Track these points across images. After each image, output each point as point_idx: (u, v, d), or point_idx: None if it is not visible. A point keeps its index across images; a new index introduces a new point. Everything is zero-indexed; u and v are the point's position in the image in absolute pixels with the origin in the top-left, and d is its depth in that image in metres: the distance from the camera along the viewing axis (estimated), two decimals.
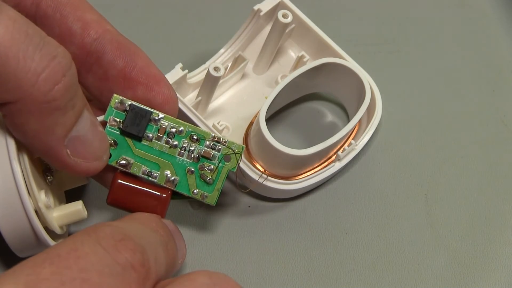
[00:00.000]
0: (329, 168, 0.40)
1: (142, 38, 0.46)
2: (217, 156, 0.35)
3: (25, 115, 0.30)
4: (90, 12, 0.34)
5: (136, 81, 0.35)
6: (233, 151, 0.35)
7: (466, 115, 0.45)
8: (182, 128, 0.35)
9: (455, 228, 0.41)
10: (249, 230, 0.41)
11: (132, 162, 0.35)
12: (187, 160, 0.35)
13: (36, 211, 0.33)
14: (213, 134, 0.35)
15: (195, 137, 0.35)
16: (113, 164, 0.34)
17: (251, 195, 0.41)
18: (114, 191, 0.34)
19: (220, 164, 0.35)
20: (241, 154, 0.35)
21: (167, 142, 0.35)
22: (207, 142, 0.35)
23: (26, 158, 0.33)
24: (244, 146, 0.35)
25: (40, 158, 0.35)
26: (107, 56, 0.34)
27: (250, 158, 0.40)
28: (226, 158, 0.35)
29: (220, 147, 0.35)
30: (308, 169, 0.40)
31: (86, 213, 0.35)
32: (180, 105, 0.39)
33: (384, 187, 0.43)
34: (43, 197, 0.33)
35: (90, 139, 0.32)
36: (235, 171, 0.35)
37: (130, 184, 0.34)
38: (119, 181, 0.34)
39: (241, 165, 0.39)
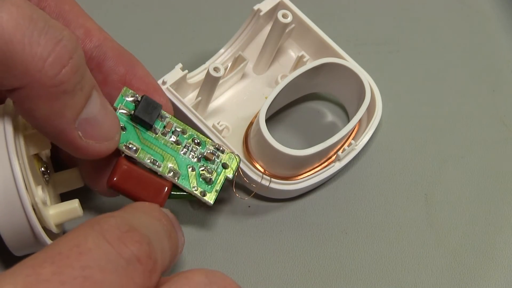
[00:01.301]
0: (329, 168, 0.40)
1: (142, 37, 0.46)
2: (216, 161, 0.36)
3: (34, 100, 0.30)
4: (90, 21, 0.35)
5: (136, 88, 0.36)
6: (231, 159, 0.36)
7: (466, 115, 0.45)
8: (186, 129, 0.36)
9: (455, 228, 0.41)
10: (249, 230, 0.41)
11: (139, 148, 0.35)
12: (189, 158, 0.36)
13: (33, 207, 0.33)
14: (213, 141, 0.36)
15: (197, 141, 0.36)
16: (121, 147, 0.35)
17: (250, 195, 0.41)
18: (119, 173, 0.34)
19: (219, 170, 0.36)
20: (238, 165, 0.37)
21: (171, 138, 0.36)
22: (208, 147, 0.36)
23: (24, 154, 0.33)
24: (240, 159, 0.37)
25: (38, 155, 0.36)
26: (108, 62, 0.35)
27: (250, 159, 0.40)
28: (224, 165, 0.36)
29: (219, 154, 0.36)
30: (308, 169, 0.40)
31: (82, 211, 0.35)
32: (180, 105, 0.39)
33: (384, 187, 0.43)
34: (40, 193, 0.33)
35: (101, 120, 0.32)
36: (231, 178, 0.37)
37: (135, 168, 0.35)
38: (125, 164, 0.34)
39: (243, 167, 0.39)
